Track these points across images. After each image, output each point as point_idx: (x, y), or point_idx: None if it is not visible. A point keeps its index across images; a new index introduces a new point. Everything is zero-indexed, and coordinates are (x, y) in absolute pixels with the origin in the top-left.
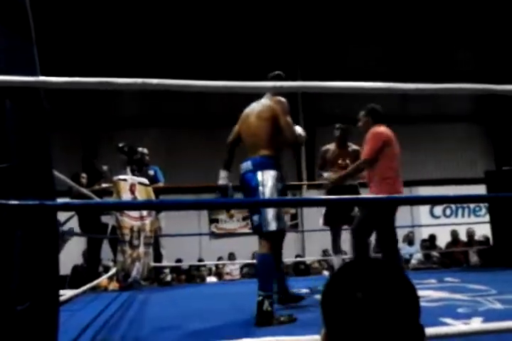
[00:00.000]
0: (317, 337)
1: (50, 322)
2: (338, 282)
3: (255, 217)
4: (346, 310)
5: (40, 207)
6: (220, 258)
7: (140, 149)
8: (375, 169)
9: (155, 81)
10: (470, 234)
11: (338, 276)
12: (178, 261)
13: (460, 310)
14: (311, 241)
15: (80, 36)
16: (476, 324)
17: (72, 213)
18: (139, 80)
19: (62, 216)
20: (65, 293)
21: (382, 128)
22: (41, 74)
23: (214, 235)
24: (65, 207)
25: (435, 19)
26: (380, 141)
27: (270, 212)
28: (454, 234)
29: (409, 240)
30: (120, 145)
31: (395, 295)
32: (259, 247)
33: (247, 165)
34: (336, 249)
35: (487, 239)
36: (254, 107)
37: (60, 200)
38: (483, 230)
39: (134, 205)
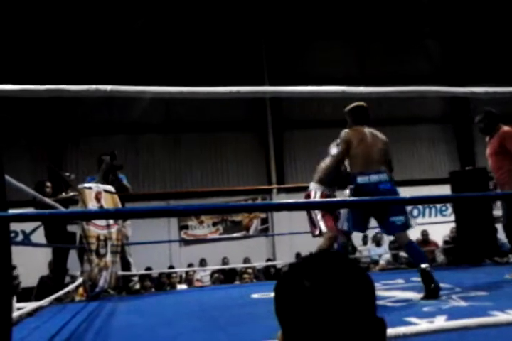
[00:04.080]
0: None
1: (1, 339)
2: (289, 273)
3: (401, 218)
4: (295, 300)
5: None
6: (190, 265)
7: (103, 157)
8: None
9: (109, 87)
10: (424, 234)
11: (289, 269)
12: (148, 269)
13: (425, 309)
14: (282, 245)
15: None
16: (440, 322)
17: (39, 223)
18: (93, 87)
19: (29, 226)
20: (30, 305)
21: (510, 127)
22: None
23: (184, 242)
24: (18, 218)
25: (404, 18)
26: None
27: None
28: (424, 234)
29: (377, 241)
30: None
31: (345, 284)
32: (402, 238)
33: (383, 176)
34: None
35: (453, 238)
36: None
37: (23, 210)
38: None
39: (91, 214)
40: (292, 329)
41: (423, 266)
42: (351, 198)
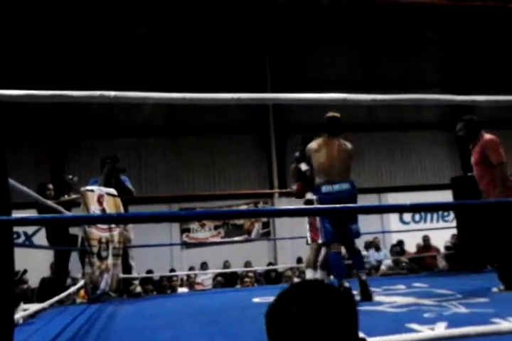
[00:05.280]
0: None
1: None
2: (278, 300)
3: (355, 226)
4: (284, 324)
5: None
6: (191, 268)
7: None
8: (495, 172)
9: (112, 93)
10: (425, 239)
11: (280, 296)
12: (149, 272)
13: (426, 315)
14: (283, 249)
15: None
16: (440, 329)
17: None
18: (97, 93)
19: (32, 227)
20: (31, 307)
21: (492, 135)
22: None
23: (185, 245)
24: (20, 222)
25: (406, 23)
26: (500, 145)
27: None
28: (426, 240)
29: (376, 246)
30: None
31: (328, 309)
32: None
33: (345, 185)
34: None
35: (454, 243)
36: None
37: (27, 213)
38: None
39: (93, 219)
40: None
41: (363, 277)
42: (350, 205)
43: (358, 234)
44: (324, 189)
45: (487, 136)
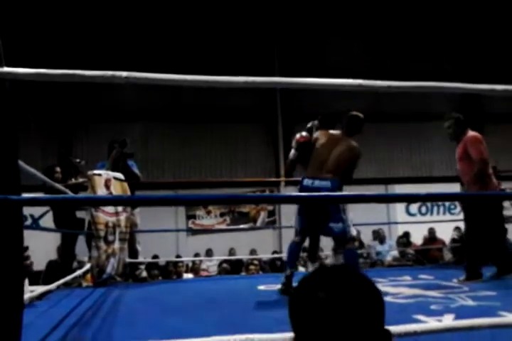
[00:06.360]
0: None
1: (13, 322)
2: (303, 285)
3: (339, 225)
4: (309, 309)
5: (5, 202)
6: (196, 255)
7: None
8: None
9: (125, 74)
10: (431, 232)
11: (304, 281)
12: (155, 257)
13: (433, 307)
14: (289, 237)
15: (75, 30)
16: (448, 321)
17: (47, 208)
18: (109, 73)
19: (38, 210)
20: (38, 289)
21: (476, 133)
22: (8, 66)
23: (191, 231)
24: (31, 202)
25: (417, 15)
26: (483, 142)
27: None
28: (432, 232)
29: (380, 238)
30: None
31: (356, 296)
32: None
33: (325, 183)
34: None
35: (460, 236)
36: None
37: (35, 195)
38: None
39: (104, 201)
40: (304, 336)
41: None
42: (362, 193)
43: (342, 233)
44: (305, 182)
45: (470, 133)
